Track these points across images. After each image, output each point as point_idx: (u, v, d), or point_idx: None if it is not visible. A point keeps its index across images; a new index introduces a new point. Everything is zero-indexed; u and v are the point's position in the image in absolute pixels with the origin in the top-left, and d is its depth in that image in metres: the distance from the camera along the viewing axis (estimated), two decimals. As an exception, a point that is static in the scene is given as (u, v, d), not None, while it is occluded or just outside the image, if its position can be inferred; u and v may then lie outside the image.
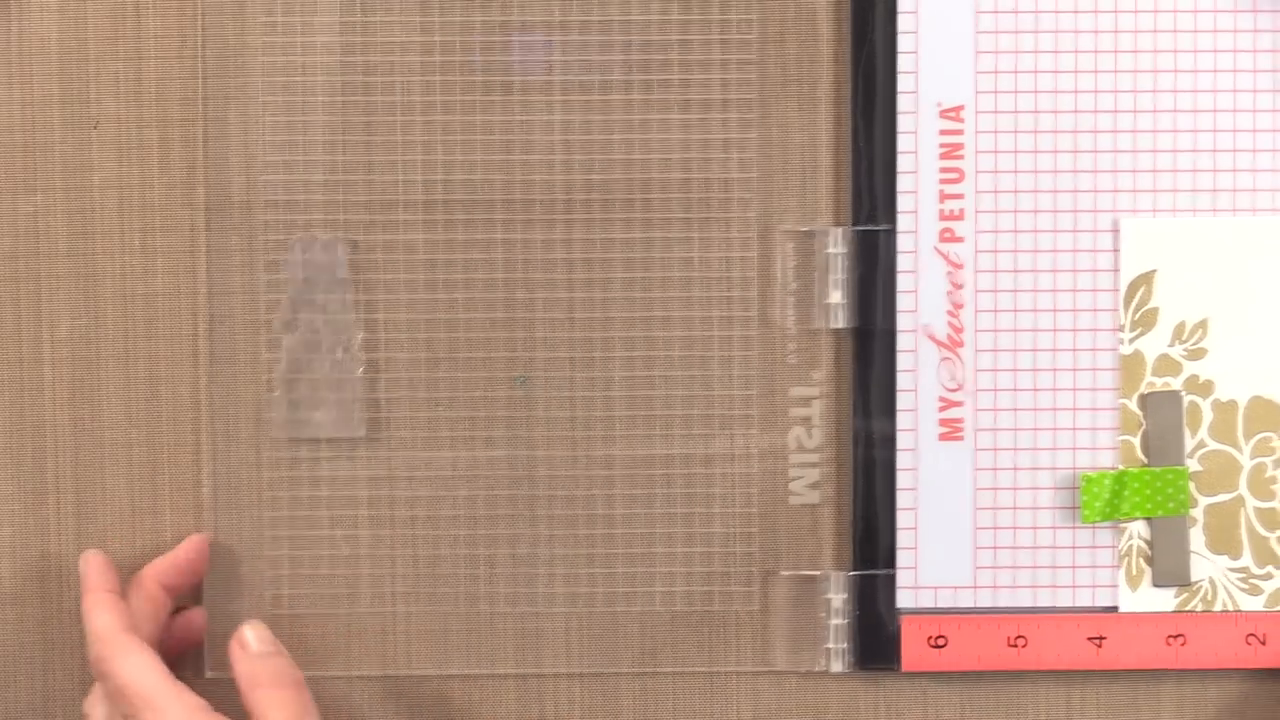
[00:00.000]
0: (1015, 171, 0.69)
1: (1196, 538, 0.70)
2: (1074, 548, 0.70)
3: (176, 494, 0.69)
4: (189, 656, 0.69)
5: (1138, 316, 0.70)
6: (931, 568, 0.69)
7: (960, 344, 0.69)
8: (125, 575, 0.68)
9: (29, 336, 0.69)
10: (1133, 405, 0.70)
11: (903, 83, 0.69)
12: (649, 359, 0.69)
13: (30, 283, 0.69)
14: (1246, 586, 0.70)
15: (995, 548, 0.70)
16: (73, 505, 0.69)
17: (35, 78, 0.68)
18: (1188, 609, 0.70)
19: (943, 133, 0.69)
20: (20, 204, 0.68)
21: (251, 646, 0.65)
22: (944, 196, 0.69)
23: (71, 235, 0.68)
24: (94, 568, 0.67)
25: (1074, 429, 0.69)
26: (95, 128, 0.68)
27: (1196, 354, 0.70)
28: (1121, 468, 0.69)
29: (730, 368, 0.69)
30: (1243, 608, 0.70)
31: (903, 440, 0.69)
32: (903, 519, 0.69)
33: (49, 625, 0.69)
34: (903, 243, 0.69)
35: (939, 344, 0.69)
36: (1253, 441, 0.70)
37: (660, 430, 0.69)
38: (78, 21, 0.68)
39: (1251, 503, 0.70)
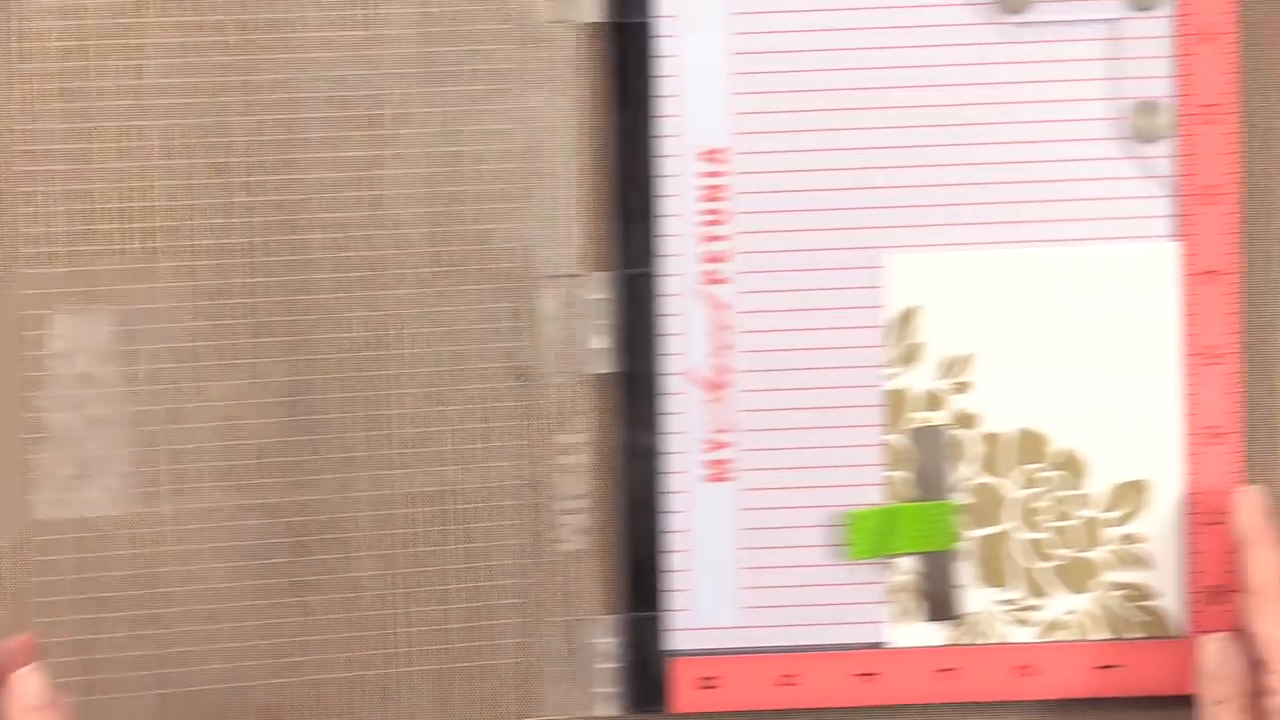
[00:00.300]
0: (779, 212, 0.70)
1: (967, 571, 0.70)
2: (841, 585, 0.70)
3: None
4: None
5: (903, 352, 0.70)
6: (701, 609, 0.70)
7: (727, 385, 0.70)
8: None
9: (29, 336, 0.69)
10: (899, 441, 0.70)
11: (662, 126, 0.69)
12: (416, 415, 0.69)
13: (30, 283, 0.69)
14: (1017, 618, 0.70)
15: (765, 587, 0.70)
16: None
17: (35, 78, 0.68)
18: (958, 642, 0.70)
19: (704, 175, 0.69)
20: (20, 204, 0.68)
21: (24, 699, 0.62)
22: (708, 239, 0.69)
23: (72, 235, 0.68)
24: None
25: (840, 466, 0.70)
26: (96, 128, 0.68)
27: (963, 388, 0.70)
28: (889, 503, 0.70)
29: (493, 419, 0.69)
30: (1013, 639, 0.70)
31: (670, 483, 0.70)
32: (671, 561, 0.70)
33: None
34: (666, 286, 0.69)
35: (705, 386, 0.70)
36: (1022, 473, 0.70)
37: (427, 486, 0.69)
38: (78, 21, 0.68)
39: (1021, 534, 0.70)
